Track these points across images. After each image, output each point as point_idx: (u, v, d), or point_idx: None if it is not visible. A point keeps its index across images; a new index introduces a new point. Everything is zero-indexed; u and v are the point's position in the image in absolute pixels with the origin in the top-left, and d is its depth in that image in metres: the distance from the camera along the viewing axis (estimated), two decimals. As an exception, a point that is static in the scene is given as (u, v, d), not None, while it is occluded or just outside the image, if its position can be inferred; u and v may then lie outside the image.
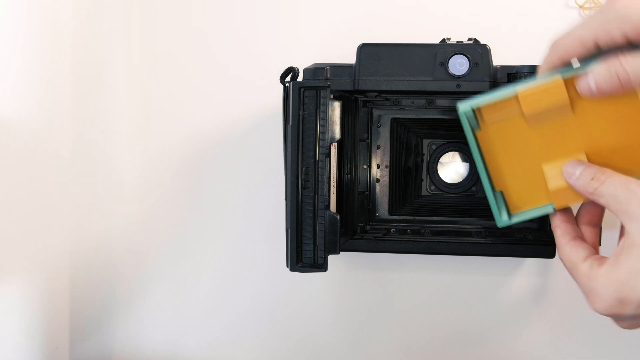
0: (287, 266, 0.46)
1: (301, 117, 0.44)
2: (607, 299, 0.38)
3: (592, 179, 0.39)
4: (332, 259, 0.56)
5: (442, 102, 0.51)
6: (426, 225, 0.53)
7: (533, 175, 0.44)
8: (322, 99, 0.44)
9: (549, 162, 0.43)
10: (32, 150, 0.57)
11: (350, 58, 0.52)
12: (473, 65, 0.51)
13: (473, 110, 0.44)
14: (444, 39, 0.53)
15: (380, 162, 0.54)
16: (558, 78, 0.40)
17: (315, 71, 0.50)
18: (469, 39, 0.53)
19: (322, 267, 0.45)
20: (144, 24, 0.61)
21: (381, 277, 0.60)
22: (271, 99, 0.59)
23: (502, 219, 0.45)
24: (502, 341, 0.59)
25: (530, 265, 0.58)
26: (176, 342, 0.63)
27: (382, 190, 0.55)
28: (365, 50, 0.51)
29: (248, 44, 0.60)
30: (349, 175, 0.53)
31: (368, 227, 0.53)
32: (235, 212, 0.61)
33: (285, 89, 0.50)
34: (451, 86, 0.51)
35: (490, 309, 0.59)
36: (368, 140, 0.53)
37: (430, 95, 0.51)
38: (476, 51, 0.51)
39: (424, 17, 0.58)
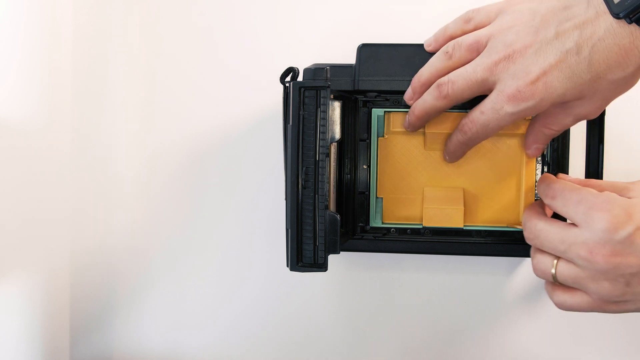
0: (287, 266, 0.46)
1: (301, 117, 0.44)
2: (615, 208, 0.38)
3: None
4: (332, 258, 0.56)
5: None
6: (426, 225, 0.54)
7: (412, 193, 0.52)
8: (322, 99, 0.44)
9: (430, 187, 0.52)
10: (32, 149, 0.57)
11: (350, 58, 0.52)
12: (473, 65, 0.51)
13: (384, 115, 0.51)
14: (444, 39, 0.53)
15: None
16: (462, 112, 0.49)
17: (315, 71, 0.50)
18: (469, 39, 0.52)
19: (322, 266, 0.45)
20: (144, 24, 0.61)
21: (381, 277, 0.60)
22: (271, 99, 0.59)
23: (375, 222, 0.53)
24: (502, 341, 0.59)
25: (530, 265, 0.58)
26: (176, 342, 0.63)
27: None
28: (365, 51, 0.51)
29: (248, 43, 0.60)
30: (349, 175, 0.53)
31: (368, 227, 0.53)
32: (235, 211, 0.61)
33: (286, 89, 0.50)
34: (451, 86, 0.51)
35: (490, 309, 0.59)
36: (368, 140, 0.52)
37: (430, 95, 0.51)
38: (476, 51, 0.51)
39: (424, 17, 0.58)
